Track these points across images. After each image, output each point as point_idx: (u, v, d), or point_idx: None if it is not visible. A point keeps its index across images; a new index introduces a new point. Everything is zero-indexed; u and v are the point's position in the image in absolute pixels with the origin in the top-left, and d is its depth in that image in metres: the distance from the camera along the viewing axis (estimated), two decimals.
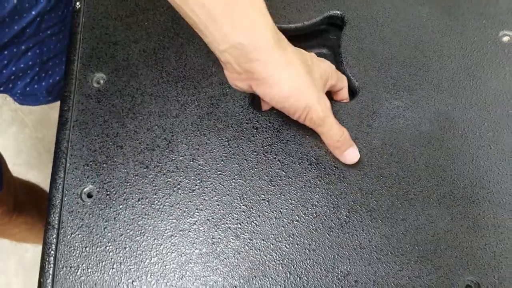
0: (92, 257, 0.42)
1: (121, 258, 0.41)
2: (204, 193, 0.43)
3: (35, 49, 0.62)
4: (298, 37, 0.53)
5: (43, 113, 1.32)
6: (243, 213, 0.43)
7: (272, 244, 0.41)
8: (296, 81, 0.39)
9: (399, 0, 0.51)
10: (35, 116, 1.33)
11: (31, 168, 1.29)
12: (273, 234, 0.42)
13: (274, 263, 0.41)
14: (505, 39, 0.49)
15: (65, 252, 0.42)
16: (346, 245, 0.41)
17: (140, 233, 0.42)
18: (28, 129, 1.32)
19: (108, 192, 0.44)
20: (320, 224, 0.42)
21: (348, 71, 0.48)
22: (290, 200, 0.43)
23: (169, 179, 0.44)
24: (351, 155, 0.43)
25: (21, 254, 1.20)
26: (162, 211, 0.43)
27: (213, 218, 0.42)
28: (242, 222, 0.42)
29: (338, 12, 0.51)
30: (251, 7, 0.37)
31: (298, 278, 0.40)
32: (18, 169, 1.25)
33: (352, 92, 0.48)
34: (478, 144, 0.44)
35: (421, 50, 0.49)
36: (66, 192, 0.44)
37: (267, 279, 0.40)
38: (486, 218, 0.41)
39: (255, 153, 0.45)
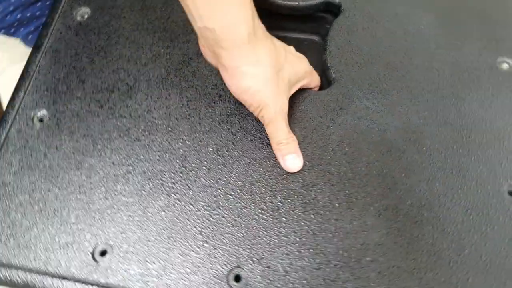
0: (24, 179, 0.42)
1: (50, 186, 0.41)
2: (149, 145, 0.43)
3: (45, 1, 0.62)
4: (294, 18, 0.51)
5: None
6: (181, 174, 0.42)
7: (199, 211, 0.40)
8: (257, 79, 0.39)
9: (403, 1, 0.49)
10: None
11: None
12: (203, 202, 0.40)
13: (195, 229, 0.39)
14: (504, 66, 0.45)
15: (1, 167, 0.42)
16: (270, 230, 0.39)
17: (76, 167, 0.42)
18: None
19: (58, 121, 0.44)
20: (252, 204, 0.40)
21: (328, 60, 0.46)
22: (230, 173, 0.42)
23: (118, 124, 0.44)
24: (290, 161, 0.41)
25: None
26: (102, 152, 0.42)
27: (149, 172, 0.42)
28: (177, 183, 0.41)
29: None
30: None
31: (213, 249, 0.39)
32: None
33: (327, 83, 0.46)
34: (439, 165, 0.41)
35: (410, 57, 0.46)
36: (20, 111, 0.45)
37: (182, 242, 0.39)
38: (423, 242, 0.39)
39: (210, 120, 0.44)
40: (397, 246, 0.39)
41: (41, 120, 0.44)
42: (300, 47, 0.52)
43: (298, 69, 0.43)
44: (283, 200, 0.40)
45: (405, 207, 0.40)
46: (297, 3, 0.49)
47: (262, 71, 0.39)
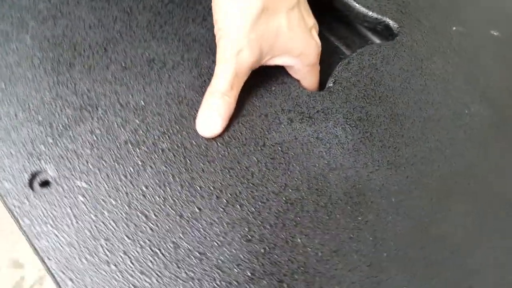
0: None
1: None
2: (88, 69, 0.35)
3: None
4: (347, 25, 0.44)
5: None
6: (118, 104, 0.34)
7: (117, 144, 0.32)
8: (236, 2, 0.31)
9: (466, 77, 0.39)
10: None
11: None
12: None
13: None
14: None
15: None
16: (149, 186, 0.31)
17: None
18: None
19: None
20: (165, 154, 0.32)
21: (339, 68, 0.37)
22: (159, 122, 0.33)
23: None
24: (207, 119, 0.32)
25: None
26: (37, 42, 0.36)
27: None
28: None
29: (396, 25, 0.40)
30: None
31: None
32: None
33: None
34: (359, 248, 0.30)
35: (426, 127, 0.36)
36: None
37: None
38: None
39: (180, 62, 0.36)
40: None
41: None
42: (333, 54, 0.45)
43: (296, 42, 0.33)
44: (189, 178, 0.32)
45: (288, 264, 0.29)
46: (355, 4, 0.41)
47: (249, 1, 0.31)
